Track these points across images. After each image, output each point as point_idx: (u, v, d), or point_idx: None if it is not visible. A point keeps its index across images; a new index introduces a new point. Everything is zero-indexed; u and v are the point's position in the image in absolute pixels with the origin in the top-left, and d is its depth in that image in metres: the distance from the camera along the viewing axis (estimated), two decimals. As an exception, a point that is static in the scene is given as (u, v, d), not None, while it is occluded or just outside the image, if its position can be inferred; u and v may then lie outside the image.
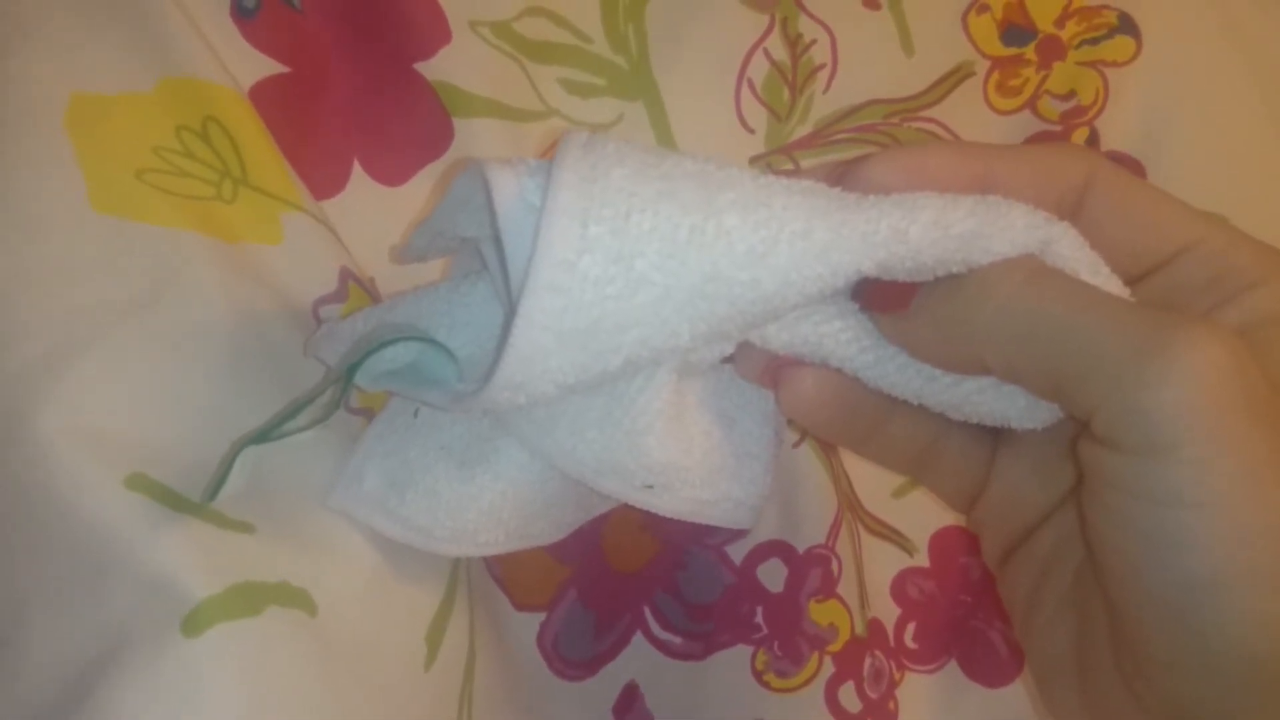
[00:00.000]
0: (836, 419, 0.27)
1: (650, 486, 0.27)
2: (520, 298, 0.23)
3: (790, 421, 0.31)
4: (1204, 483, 0.20)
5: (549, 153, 0.37)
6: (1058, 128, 0.42)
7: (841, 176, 0.25)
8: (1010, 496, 0.28)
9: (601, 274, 0.23)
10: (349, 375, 0.26)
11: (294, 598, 0.26)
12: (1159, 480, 0.21)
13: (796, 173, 0.25)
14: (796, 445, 0.37)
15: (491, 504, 0.28)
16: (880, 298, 0.25)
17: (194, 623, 0.24)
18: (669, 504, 0.28)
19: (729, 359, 0.27)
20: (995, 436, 0.28)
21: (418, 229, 0.29)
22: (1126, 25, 0.42)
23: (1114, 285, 0.24)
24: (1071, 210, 0.25)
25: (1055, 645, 0.26)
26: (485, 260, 0.27)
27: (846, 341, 0.26)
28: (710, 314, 0.23)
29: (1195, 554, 0.21)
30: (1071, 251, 0.24)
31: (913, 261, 0.23)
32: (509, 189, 0.24)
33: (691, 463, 0.28)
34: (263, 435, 0.26)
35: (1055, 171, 0.25)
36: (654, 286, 0.23)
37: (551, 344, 0.23)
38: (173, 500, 0.26)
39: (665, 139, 0.39)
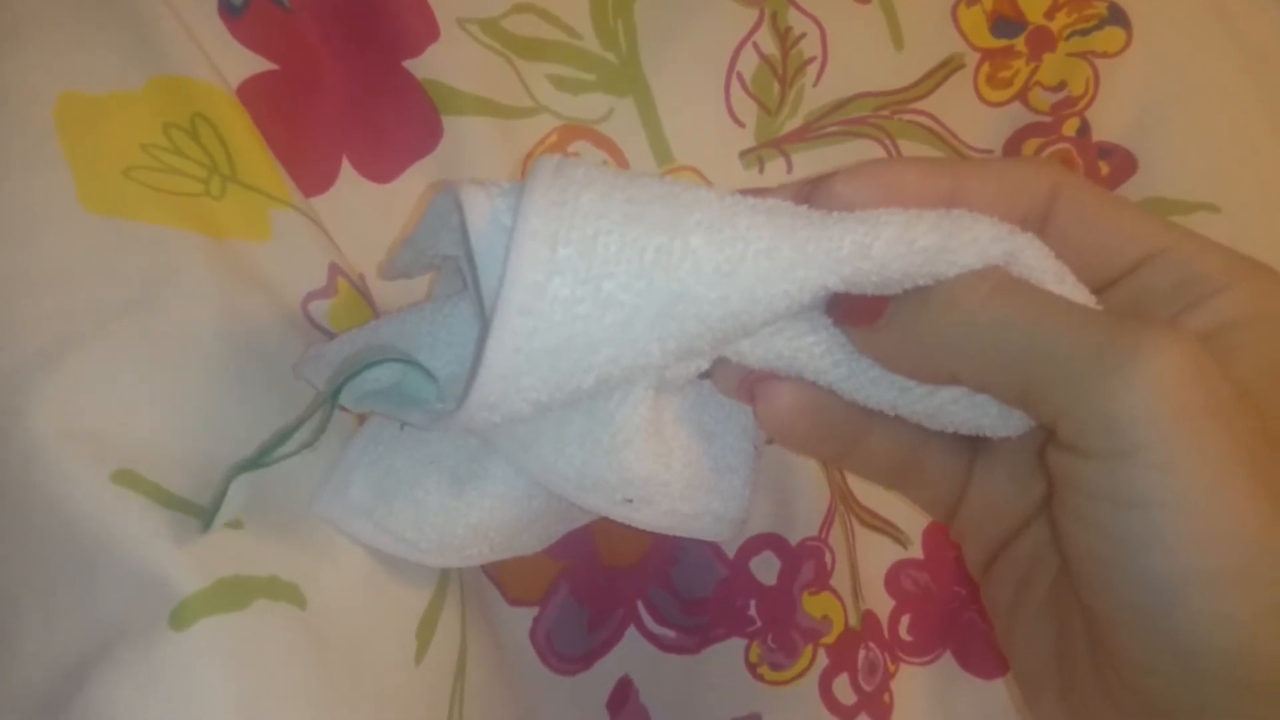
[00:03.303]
0: (814, 432, 0.27)
1: (630, 500, 0.28)
2: (492, 319, 0.23)
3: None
4: (1168, 485, 0.21)
5: (534, 153, 0.38)
6: (1048, 119, 0.42)
7: (810, 194, 0.25)
8: (989, 505, 0.28)
9: (570, 295, 0.23)
10: (333, 398, 0.27)
11: (283, 592, 0.26)
12: (1125, 483, 0.21)
13: (764, 191, 0.25)
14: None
15: (479, 520, 0.28)
16: (852, 312, 0.25)
17: (181, 617, 0.24)
18: (649, 518, 0.28)
19: (707, 375, 0.28)
20: (973, 446, 0.28)
21: (401, 247, 0.30)
22: (1116, 16, 0.42)
23: (1080, 294, 0.25)
24: (1038, 223, 0.26)
25: (1037, 652, 0.26)
26: (466, 279, 0.28)
27: (821, 355, 0.26)
28: (680, 332, 0.24)
29: (1162, 555, 0.21)
30: (1037, 262, 0.24)
31: (879, 276, 0.24)
32: (481, 211, 0.25)
33: (671, 477, 0.28)
34: (253, 463, 0.27)
35: (1021, 185, 0.26)
36: (622, 306, 0.23)
37: (524, 364, 0.23)
38: (161, 496, 0.26)
39: (655, 134, 0.39)
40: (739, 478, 0.29)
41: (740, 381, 0.27)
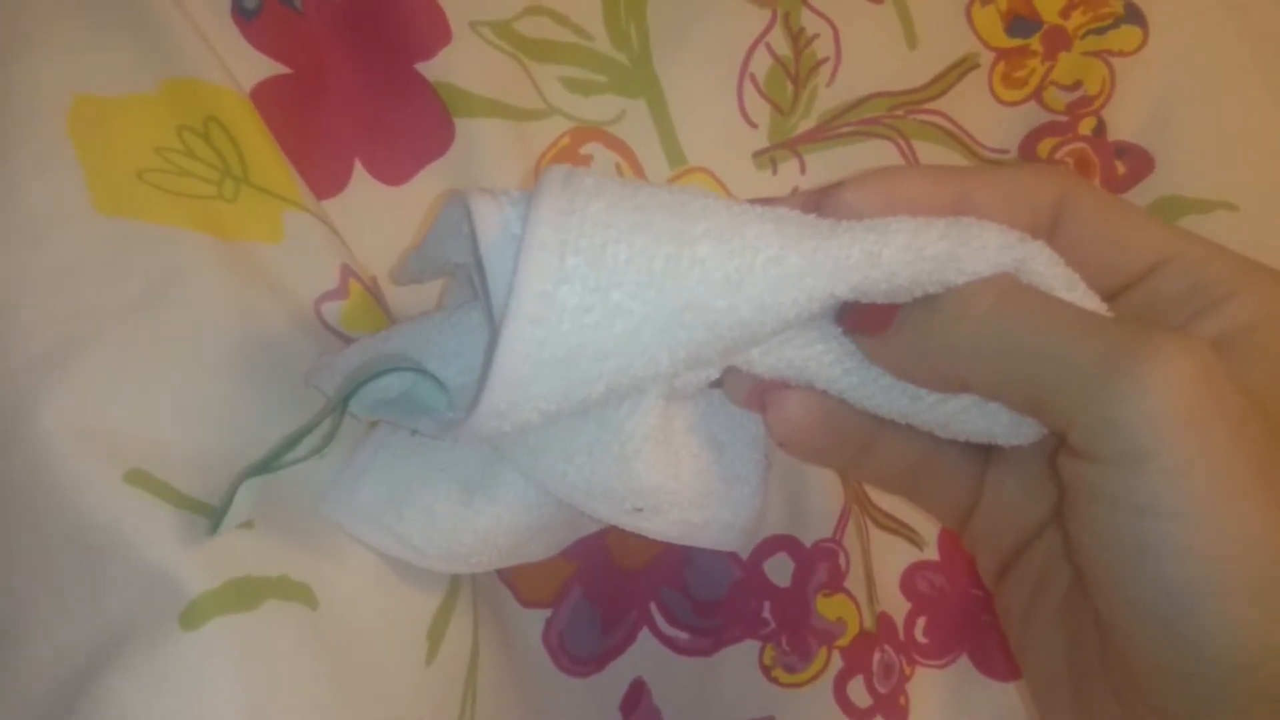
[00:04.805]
0: (824, 440, 0.27)
1: (640, 510, 0.28)
2: (501, 328, 0.23)
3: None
4: (1180, 491, 0.21)
5: (546, 155, 0.38)
6: (1064, 118, 0.42)
7: (818, 202, 0.25)
8: (1001, 513, 0.28)
9: (579, 304, 0.23)
10: (343, 406, 0.27)
11: (294, 592, 0.26)
12: (1136, 490, 0.21)
13: (773, 200, 0.25)
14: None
15: (488, 528, 0.28)
16: (861, 320, 0.25)
17: (191, 617, 0.24)
18: (658, 527, 0.28)
19: (717, 384, 0.28)
20: (985, 454, 0.28)
21: (411, 254, 0.30)
22: (1133, 14, 0.42)
23: (1091, 301, 0.25)
24: (1047, 230, 0.26)
25: (1049, 660, 0.26)
26: (476, 288, 0.28)
27: (830, 363, 0.26)
28: (689, 341, 0.24)
29: (1174, 562, 0.21)
30: (1046, 269, 0.24)
31: (888, 284, 0.24)
32: (492, 220, 0.25)
33: (680, 486, 0.28)
34: (262, 467, 0.27)
35: (1029, 191, 0.26)
36: (631, 315, 0.23)
37: (532, 373, 0.23)
38: (172, 497, 0.26)
39: (668, 135, 0.39)
40: (750, 487, 0.29)
41: (750, 390, 0.27)
